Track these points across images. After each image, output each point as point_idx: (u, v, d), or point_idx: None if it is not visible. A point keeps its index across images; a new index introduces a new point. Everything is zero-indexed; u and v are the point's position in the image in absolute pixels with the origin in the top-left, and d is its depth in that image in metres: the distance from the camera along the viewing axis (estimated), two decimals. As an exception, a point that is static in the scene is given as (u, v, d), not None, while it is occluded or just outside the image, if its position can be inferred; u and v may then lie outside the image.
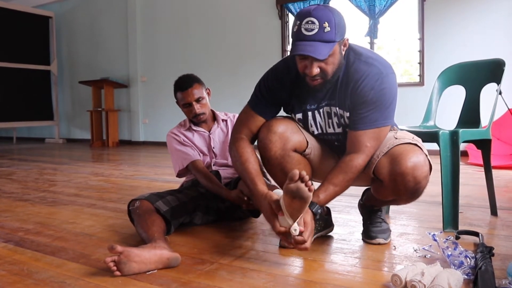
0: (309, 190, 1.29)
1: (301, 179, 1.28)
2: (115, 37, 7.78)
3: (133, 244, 1.66)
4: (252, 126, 1.63)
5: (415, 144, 1.50)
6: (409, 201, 1.55)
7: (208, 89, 2.17)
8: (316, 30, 1.35)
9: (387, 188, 1.50)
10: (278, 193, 1.43)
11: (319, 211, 1.44)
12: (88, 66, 8.21)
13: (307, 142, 1.63)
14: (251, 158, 1.57)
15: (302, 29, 1.37)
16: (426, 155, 1.48)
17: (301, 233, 1.36)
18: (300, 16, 1.38)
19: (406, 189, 1.45)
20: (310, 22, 1.36)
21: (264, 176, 2.09)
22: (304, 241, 1.36)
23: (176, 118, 3.02)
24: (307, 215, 1.40)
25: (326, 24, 1.35)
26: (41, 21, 8.14)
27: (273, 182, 1.81)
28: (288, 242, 1.41)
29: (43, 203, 2.64)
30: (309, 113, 1.62)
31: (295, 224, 1.35)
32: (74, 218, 2.23)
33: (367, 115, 1.47)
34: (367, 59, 1.49)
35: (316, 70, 1.42)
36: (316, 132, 1.65)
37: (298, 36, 1.38)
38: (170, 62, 7.10)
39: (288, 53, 5.97)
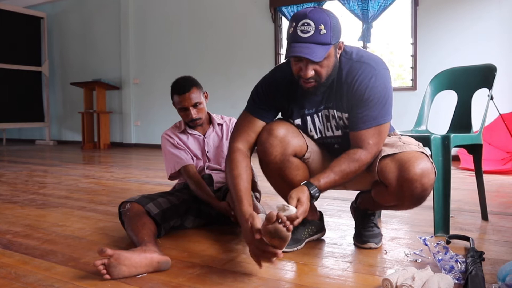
0: (288, 230, 1.27)
1: (279, 220, 1.27)
2: (108, 39, 7.74)
3: (123, 247, 1.65)
4: (251, 131, 1.60)
5: (422, 152, 1.49)
6: (411, 208, 1.54)
7: (206, 92, 2.14)
8: (312, 32, 1.35)
9: (392, 193, 1.48)
10: (262, 217, 1.39)
11: (316, 194, 1.42)
12: (80, 67, 8.16)
13: (307, 146, 1.62)
14: (244, 174, 1.52)
15: (298, 31, 1.36)
16: (432, 163, 1.47)
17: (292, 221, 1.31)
18: (296, 18, 1.38)
19: (412, 196, 1.44)
20: (306, 24, 1.35)
21: (255, 188, 2.07)
22: (296, 218, 1.31)
23: (169, 120, 3.02)
24: (303, 195, 1.38)
25: (322, 27, 1.35)
26: (33, 22, 8.08)
27: (262, 193, 1.79)
28: (268, 261, 1.33)
29: (32, 206, 2.61)
30: (308, 118, 1.61)
31: (291, 206, 1.33)
32: (64, 221, 2.20)
33: (366, 114, 1.47)
34: (359, 58, 1.49)
35: (310, 73, 1.41)
36: (316, 137, 1.65)
37: (294, 38, 1.37)
38: (163, 64, 7.08)
39: (282, 56, 5.99)
